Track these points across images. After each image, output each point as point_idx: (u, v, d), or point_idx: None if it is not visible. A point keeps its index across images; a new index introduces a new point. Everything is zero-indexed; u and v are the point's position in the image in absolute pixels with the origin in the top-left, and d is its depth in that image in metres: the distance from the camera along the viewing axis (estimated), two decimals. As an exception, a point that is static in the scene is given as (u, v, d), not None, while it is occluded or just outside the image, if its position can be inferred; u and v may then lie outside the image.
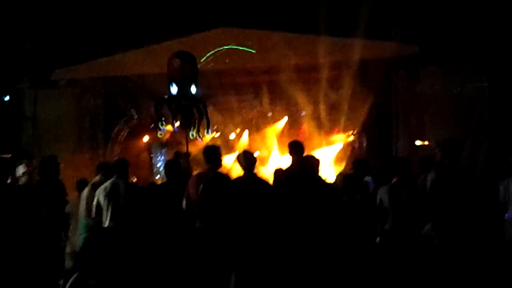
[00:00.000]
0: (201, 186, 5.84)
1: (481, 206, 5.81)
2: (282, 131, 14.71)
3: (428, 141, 11.57)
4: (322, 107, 13.02)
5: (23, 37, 12.54)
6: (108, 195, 6.72)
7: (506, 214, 6.10)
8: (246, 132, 15.22)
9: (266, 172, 12.17)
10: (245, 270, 4.44)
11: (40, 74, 13.23)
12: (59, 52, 12.89)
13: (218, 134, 14.90)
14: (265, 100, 13.83)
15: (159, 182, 11.51)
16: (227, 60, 12.65)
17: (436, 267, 5.42)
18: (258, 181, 6.47)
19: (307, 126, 13.62)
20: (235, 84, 13.30)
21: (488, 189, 6.36)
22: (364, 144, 13.51)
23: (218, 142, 12.76)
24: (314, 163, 6.44)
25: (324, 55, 11.60)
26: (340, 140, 13.68)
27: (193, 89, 9.01)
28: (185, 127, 9.17)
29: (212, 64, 12.49)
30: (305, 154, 6.91)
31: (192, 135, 9.24)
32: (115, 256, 4.36)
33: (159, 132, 9.56)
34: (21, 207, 5.96)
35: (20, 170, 8.28)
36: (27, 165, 8.72)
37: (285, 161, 10.80)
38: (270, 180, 6.91)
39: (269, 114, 14.78)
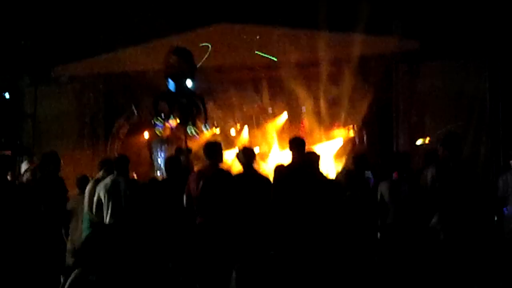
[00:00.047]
0: (202, 182, 5.84)
1: (480, 200, 5.81)
2: (283, 126, 14.70)
3: (429, 137, 11.55)
4: (322, 103, 13.01)
5: (23, 34, 12.53)
6: (109, 191, 6.72)
7: (505, 208, 6.10)
8: (246, 128, 15.21)
9: (266, 168, 12.17)
10: (246, 265, 4.44)
11: (40, 71, 13.23)
12: (59, 49, 12.88)
13: (219, 130, 14.89)
14: (265, 95, 13.81)
15: (160, 178, 11.50)
16: (227, 56, 12.63)
17: (438, 262, 5.43)
18: (258, 177, 6.46)
19: (307, 122, 13.61)
20: (235, 79, 13.29)
21: (488, 184, 6.36)
22: (364, 140, 13.50)
23: (219, 138, 12.75)
24: (314, 158, 6.45)
25: (324, 51, 11.59)
26: (340, 136, 13.67)
27: (190, 85, 9.01)
28: (183, 124, 9.18)
29: (212, 60, 12.48)
30: (305, 150, 6.89)
31: (191, 131, 9.25)
32: (116, 252, 4.36)
33: (156, 129, 9.57)
34: (20, 204, 5.95)
35: (24, 166, 8.28)
36: (30, 162, 8.73)
37: (285, 156, 10.80)
38: (271, 176, 6.91)
39: (270, 110, 14.76)
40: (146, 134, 14.95)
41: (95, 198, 6.84)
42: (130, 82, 13.34)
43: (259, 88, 13.56)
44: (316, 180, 6.27)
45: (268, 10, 11.86)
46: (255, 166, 6.59)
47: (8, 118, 13.42)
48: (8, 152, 10.72)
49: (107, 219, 6.68)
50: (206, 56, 11.62)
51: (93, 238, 6.42)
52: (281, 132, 14.46)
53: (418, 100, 12.04)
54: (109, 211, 6.68)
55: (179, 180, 6.50)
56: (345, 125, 13.51)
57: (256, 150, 13.53)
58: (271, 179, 6.69)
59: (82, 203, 7.37)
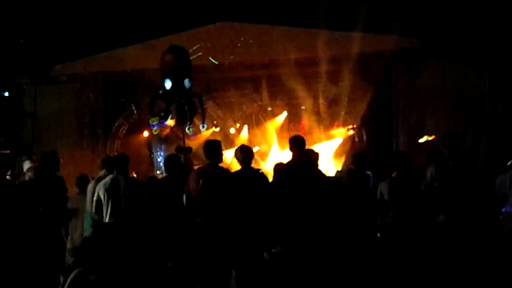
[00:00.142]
0: (202, 181, 5.83)
1: (479, 199, 5.81)
2: (282, 125, 14.72)
3: (429, 135, 11.56)
4: (322, 102, 13.02)
5: (22, 33, 12.52)
6: (108, 190, 6.70)
7: (503, 208, 6.09)
8: (246, 126, 15.22)
9: (266, 166, 12.18)
10: (245, 265, 4.45)
11: (39, 70, 13.23)
12: (58, 48, 12.88)
13: (218, 128, 14.90)
14: (265, 94, 13.82)
15: (159, 177, 11.52)
16: (226, 55, 12.63)
17: (440, 260, 5.44)
18: (256, 173, 6.47)
19: (307, 121, 13.62)
20: (235, 78, 13.30)
21: (487, 183, 6.35)
22: (364, 138, 13.51)
23: (218, 137, 12.75)
24: (313, 157, 6.45)
25: (324, 49, 11.59)
26: (340, 134, 13.68)
27: (187, 84, 9.00)
28: (180, 123, 9.17)
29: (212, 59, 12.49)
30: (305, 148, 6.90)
31: (189, 130, 9.26)
32: (116, 251, 4.37)
33: (153, 129, 9.56)
34: (18, 204, 5.95)
35: (26, 165, 8.25)
36: (33, 161, 8.71)
37: (285, 155, 10.80)
38: (270, 174, 6.91)
39: (269, 109, 14.78)
40: (145, 133, 14.96)
41: (95, 197, 6.82)
42: (130, 80, 13.35)
43: (258, 87, 13.57)
44: (315, 178, 6.27)
45: (267, 9, 11.86)
46: (254, 164, 6.58)
47: (7, 117, 13.41)
48: (8, 151, 10.71)
49: (106, 218, 6.67)
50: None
51: (92, 237, 6.43)
52: (280, 131, 14.47)
53: (418, 99, 12.04)
54: (109, 210, 6.67)
55: (179, 179, 6.49)
56: (344, 123, 13.53)
57: (256, 149, 13.58)
58: (271, 177, 6.68)
59: (83, 202, 7.37)
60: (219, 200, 5.72)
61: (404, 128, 12.18)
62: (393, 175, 6.23)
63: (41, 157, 7.06)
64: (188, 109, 9.33)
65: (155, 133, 10.27)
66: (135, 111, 14.03)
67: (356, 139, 13.64)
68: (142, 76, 12.52)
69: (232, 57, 12.63)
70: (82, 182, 7.83)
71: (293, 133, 8.81)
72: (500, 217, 6.14)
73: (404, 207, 5.98)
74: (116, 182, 6.76)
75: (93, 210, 6.92)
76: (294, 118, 14.45)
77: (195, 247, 5.73)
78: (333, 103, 13.13)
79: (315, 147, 9.99)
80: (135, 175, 11.62)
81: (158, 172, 14.46)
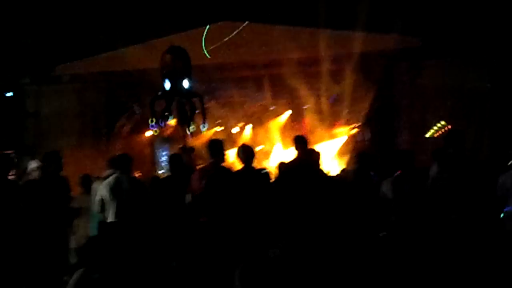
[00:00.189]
0: (205, 181, 5.85)
1: (484, 197, 5.82)
2: (285, 124, 14.73)
3: (431, 133, 11.58)
4: (324, 101, 13.02)
5: (25, 33, 12.54)
6: (111, 190, 6.72)
7: (505, 208, 6.10)
8: (249, 126, 15.24)
9: (269, 165, 12.18)
10: (249, 264, 4.45)
11: (42, 70, 13.25)
12: (61, 48, 12.89)
13: (221, 128, 14.92)
14: (268, 94, 13.83)
15: (161, 176, 11.53)
16: (228, 55, 12.65)
17: (441, 261, 5.44)
18: (257, 172, 6.49)
19: (309, 120, 13.63)
20: (237, 78, 13.31)
21: (489, 181, 6.35)
22: (366, 137, 13.52)
23: (221, 136, 12.77)
24: (315, 156, 6.49)
25: (326, 49, 11.61)
26: (342, 134, 13.69)
27: (186, 84, 9.03)
28: (181, 123, 9.20)
29: (213, 58, 12.50)
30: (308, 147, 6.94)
31: (191, 130, 9.28)
32: (119, 251, 4.38)
33: (152, 129, 9.59)
34: (20, 203, 5.97)
35: (33, 164, 8.25)
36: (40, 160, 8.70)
37: (288, 154, 10.81)
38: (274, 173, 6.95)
39: (272, 108, 14.79)
40: (148, 133, 14.97)
41: (98, 198, 6.84)
42: (132, 80, 13.38)
43: (261, 87, 13.57)
44: (318, 177, 6.30)
45: (269, 8, 11.86)
46: (257, 163, 6.61)
47: (10, 117, 13.43)
48: (10, 151, 10.72)
49: (110, 218, 6.69)
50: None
51: (96, 236, 6.44)
52: (283, 130, 14.48)
53: (419, 98, 12.07)
54: (112, 210, 6.69)
55: (182, 178, 6.51)
56: (347, 122, 13.53)
57: (259, 148, 13.61)
58: (274, 176, 6.72)
59: (86, 202, 7.38)
60: (222, 199, 5.74)
61: (405, 127, 12.20)
62: (395, 174, 6.24)
63: (43, 157, 7.07)
64: (189, 109, 9.36)
65: (155, 133, 10.29)
66: (137, 111, 14.05)
67: (358, 138, 13.65)
68: (144, 75, 12.53)
69: (234, 56, 12.64)
70: (85, 182, 7.84)
71: (295, 132, 8.82)
72: (502, 216, 6.15)
73: (407, 206, 5.98)
74: (119, 182, 6.78)
75: (97, 210, 6.94)
76: (296, 117, 14.46)
77: (199, 246, 5.74)
78: (335, 102, 13.13)
79: (318, 146, 10.00)
80: (140, 174, 11.62)
81: (160, 171, 14.48)
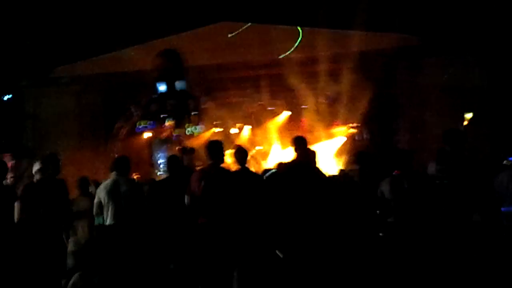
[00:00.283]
0: (204, 182, 5.83)
1: (482, 196, 5.80)
2: (283, 124, 14.70)
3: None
4: (323, 100, 13.00)
5: (23, 35, 12.52)
6: (109, 192, 6.69)
7: (503, 208, 6.07)
8: (247, 126, 15.21)
9: (266, 166, 12.16)
10: (247, 266, 4.44)
11: (40, 72, 13.24)
12: (59, 50, 12.88)
13: (219, 129, 14.88)
14: (266, 94, 13.81)
15: (158, 178, 11.51)
16: (226, 55, 12.63)
17: (440, 261, 5.42)
18: (252, 173, 6.51)
19: (308, 120, 13.61)
20: (235, 78, 13.28)
21: (488, 180, 6.33)
22: (365, 136, 13.50)
23: (219, 137, 12.74)
24: (311, 155, 6.49)
25: (325, 48, 11.59)
26: (341, 133, 13.67)
27: (179, 85, 9.04)
28: (176, 125, 9.20)
29: (211, 59, 12.48)
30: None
31: (188, 130, 9.28)
32: (117, 254, 4.36)
33: (139, 132, 9.60)
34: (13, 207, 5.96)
35: (36, 166, 8.23)
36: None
37: (286, 155, 10.79)
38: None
39: (270, 108, 14.76)
40: (146, 134, 14.94)
41: (96, 200, 6.81)
42: (131, 82, 13.34)
43: (259, 87, 13.55)
44: (317, 177, 6.29)
45: (267, 8, 11.85)
46: (255, 164, 6.62)
47: (9, 119, 13.42)
48: (9, 154, 10.70)
49: (108, 220, 6.66)
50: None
51: (94, 240, 6.42)
52: (282, 130, 14.46)
53: (419, 96, 12.05)
54: (110, 212, 6.66)
55: (180, 179, 6.49)
56: (346, 122, 13.51)
57: (258, 149, 13.60)
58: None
59: (84, 204, 7.36)
60: (221, 200, 5.72)
61: (405, 126, 12.18)
62: (394, 173, 6.21)
63: (41, 160, 7.03)
64: (183, 110, 9.37)
65: (145, 137, 10.30)
66: (135, 113, 14.02)
67: (357, 138, 13.63)
68: (143, 77, 12.52)
69: (232, 56, 12.62)
70: (83, 185, 7.82)
71: (294, 132, 8.80)
72: (499, 216, 6.14)
73: (406, 206, 5.95)
74: (117, 184, 6.74)
75: (95, 212, 6.91)
76: (295, 117, 14.44)
77: (197, 248, 5.72)
78: (334, 101, 13.11)
79: (317, 146, 9.97)
80: (138, 176, 11.60)
81: (159, 173, 14.45)
